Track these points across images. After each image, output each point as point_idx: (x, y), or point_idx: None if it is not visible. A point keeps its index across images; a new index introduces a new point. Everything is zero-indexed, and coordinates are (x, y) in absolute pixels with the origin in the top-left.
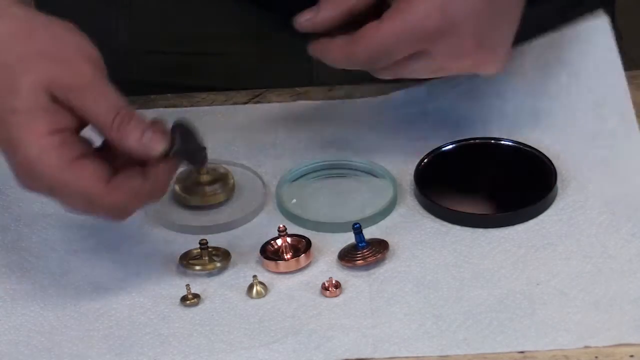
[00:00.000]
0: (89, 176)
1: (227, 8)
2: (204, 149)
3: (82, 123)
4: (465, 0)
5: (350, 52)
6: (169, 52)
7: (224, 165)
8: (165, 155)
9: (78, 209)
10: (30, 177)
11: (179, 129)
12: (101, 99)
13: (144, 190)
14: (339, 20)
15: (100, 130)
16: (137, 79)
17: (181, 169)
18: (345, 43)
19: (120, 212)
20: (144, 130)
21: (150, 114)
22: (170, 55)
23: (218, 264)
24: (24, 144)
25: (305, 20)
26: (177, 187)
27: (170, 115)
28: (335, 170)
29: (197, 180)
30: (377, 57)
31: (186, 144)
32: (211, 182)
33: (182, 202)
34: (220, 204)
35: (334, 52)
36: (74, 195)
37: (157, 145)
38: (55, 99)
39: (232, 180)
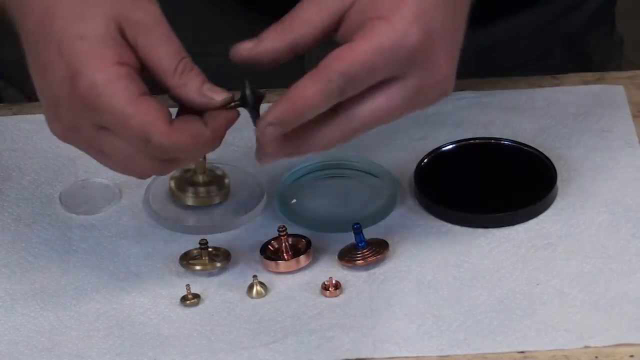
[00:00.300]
0: (154, 112)
1: (216, 8)
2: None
3: (142, 66)
4: (437, 10)
5: (321, 77)
6: None
7: (222, 167)
8: (224, 107)
9: (125, 156)
10: (86, 108)
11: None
12: (168, 41)
13: (205, 136)
14: (282, 54)
15: (161, 74)
16: None
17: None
18: (312, 73)
19: (172, 162)
20: (203, 80)
21: None
22: None
23: (218, 264)
24: (89, 71)
25: (244, 49)
26: (172, 184)
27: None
28: (335, 170)
29: (192, 179)
30: (351, 82)
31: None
32: (206, 184)
33: (176, 200)
34: (218, 205)
35: (305, 91)
36: (132, 132)
37: (217, 96)
38: (123, 34)
39: (227, 183)
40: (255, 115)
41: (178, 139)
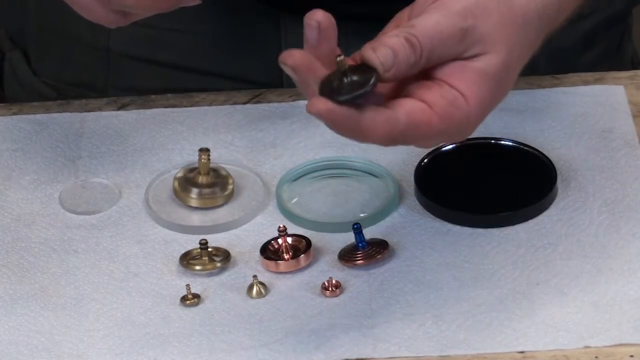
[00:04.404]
0: None
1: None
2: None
3: None
4: (495, 97)
5: (391, 129)
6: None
7: (227, 169)
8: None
9: (87, 5)
10: None
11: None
12: None
13: None
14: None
15: None
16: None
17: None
18: (386, 123)
19: (127, 14)
20: None
21: (150, 114)
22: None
23: (218, 264)
24: None
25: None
26: (175, 184)
27: (170, 115)
28: (335, 170)
29: (196, 181)
30: (411, 142)
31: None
32: (210, 185)
33: (180, 201)
34: (218, 206)
35: (376, 133)
36: None
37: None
38: None
39: (231, 185)
40: (349, 96)
41: None
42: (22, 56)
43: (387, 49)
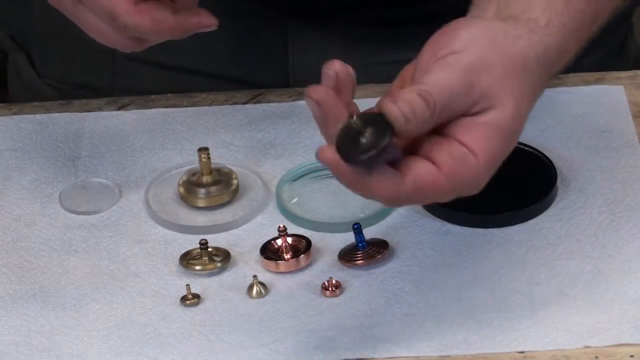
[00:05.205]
0: None
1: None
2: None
3: None
4: (504, 150)
5: (398, 194)
6: None
7: (228, 166)
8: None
9: (98, 29)
10: None
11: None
12: None
13: (167, 22)
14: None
15: None
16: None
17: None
18: (392, 187)
19: (140, 40)
20: None
21: (150, 114)
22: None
23: (218, 264)
24: None
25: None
26: (181, 190)
27: (170, 115)
28: None
29: (201, 181)
30: (417, 202)
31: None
32: (215, 183)
33: (185, 202)
34: (219, 205)
35: (380, 194)
36: (100, 8)
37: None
38: None
39: (235, 181)
40: (361, 154)
41: (140, 21)
42: (26, 58)
43: (405, 102)
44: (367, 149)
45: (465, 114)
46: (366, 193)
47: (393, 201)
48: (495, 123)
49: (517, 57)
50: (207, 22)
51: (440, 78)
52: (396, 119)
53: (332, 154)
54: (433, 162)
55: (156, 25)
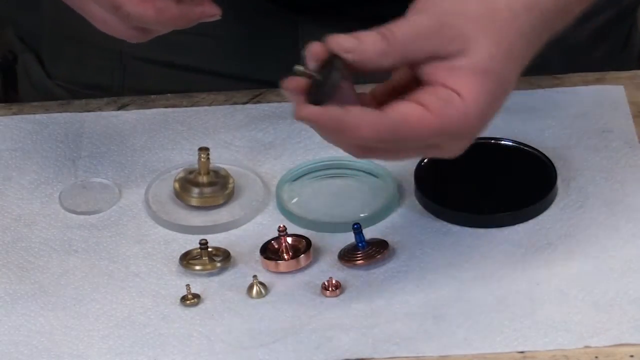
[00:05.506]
0: None
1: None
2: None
3: None
4: (493, 93)
5: (381, 122)
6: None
7: (226, 168)
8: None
9: (103, 20)
10: None
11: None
12: None
13: (171, 12)
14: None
15: None
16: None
17: (184, 167)
18: (375, 120)
19: (144, 30)
20: None
21: (150, 114)
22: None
23: (218, 264)
24: None
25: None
26: (176, 185)
27: (170, 115)
28: (335, 170)
29: (197, 180)
30: (405, 144)
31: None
32: (210, 184)
33: (178, 198)
34: (219, 205)
35: (363, 130)
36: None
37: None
38: None
39: (231, 185)
40: (320, 95)
41: (144, 10)
42: (35, 58)
43: (352, 36)
44: (323, 83)
45: (445, 57)
46: (347, 134)
47: (378, 138)
48: (474, 65)
49: (500, 2)
50: (210, 11)
51: (408, 19)
52: (337, 45)
53: (305, 108)
54: (419, 104)
55: (159, 14)
